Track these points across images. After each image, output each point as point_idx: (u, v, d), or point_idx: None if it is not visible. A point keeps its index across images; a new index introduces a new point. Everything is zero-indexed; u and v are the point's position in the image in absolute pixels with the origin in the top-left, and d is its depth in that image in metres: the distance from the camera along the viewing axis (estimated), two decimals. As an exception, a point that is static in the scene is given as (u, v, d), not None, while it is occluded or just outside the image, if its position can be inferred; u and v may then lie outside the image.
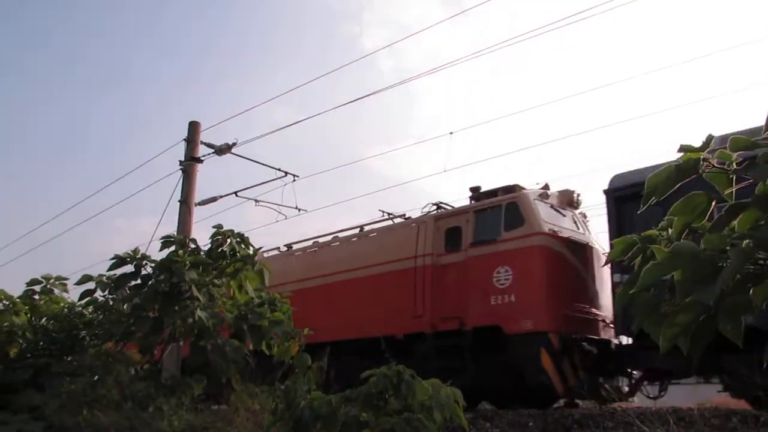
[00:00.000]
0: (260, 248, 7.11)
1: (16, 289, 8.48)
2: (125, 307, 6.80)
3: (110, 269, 6.79)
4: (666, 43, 77.30)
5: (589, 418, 8.20)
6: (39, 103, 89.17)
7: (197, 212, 11.83)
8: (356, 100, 13.07)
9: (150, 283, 6.66)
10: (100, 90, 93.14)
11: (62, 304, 8.28)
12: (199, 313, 6.10)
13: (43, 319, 8.01)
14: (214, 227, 6.99)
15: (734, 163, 1.84)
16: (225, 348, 6.21)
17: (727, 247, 1.68)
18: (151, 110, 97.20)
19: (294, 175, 14.73)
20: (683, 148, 1.84)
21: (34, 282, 8.17)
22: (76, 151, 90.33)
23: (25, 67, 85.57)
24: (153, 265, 6.81)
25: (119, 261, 6.72)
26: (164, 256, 6.77)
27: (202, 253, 7.03)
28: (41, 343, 7.59)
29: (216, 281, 6.74)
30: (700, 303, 1.69)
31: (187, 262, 6.55)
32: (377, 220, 13.70)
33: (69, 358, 7.35)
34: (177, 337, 6.73)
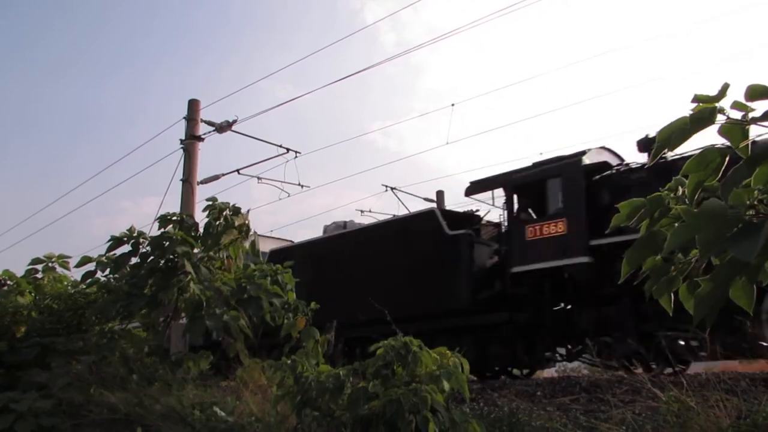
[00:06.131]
0: (248, 210, 7.02)
1: (24, 270, 8.51)
2: (124, 284, 6.79)
3: (108, 250, 6.77)
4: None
5: (596, 384, 8.21)
6: (51, 84, 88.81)
7: (201, 191, 11.80)
8: (359, 72, 12.99)
9: (149, 260, 6.63)
10: (109, 71, 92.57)
11: (66, 283, 8.28)
12: (193, 286, 6.06)
13: (48, 299, 8.02)
14: (208, 200, 6.92)
15: (749, 114, 1.74)
16: (223, 318, 6.16)
17: (755, 202, 1.59)
18: (159, 91, 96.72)
19: (296, 152, 14.66)
20: (698, 98, 1.75)
21: (36, 261, 8.17)
22: (86, 132, 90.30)
23: (36, 49, 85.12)
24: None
25: (116, 241, 6.69)
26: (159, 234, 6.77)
27: (200, 229, 6.98)
28: (47, 323, 7.60)
29: (212, 255, 6.70)
30: (729, 266, 1.60)
31: (179, 238, 6.51)
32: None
33: (75, 336, 7.36)
34: (179, 313, 6.72)
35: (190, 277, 6.15)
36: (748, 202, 1.63)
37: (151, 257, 6.65)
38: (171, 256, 6.41)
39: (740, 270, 1.66)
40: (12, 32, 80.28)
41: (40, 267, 8.28)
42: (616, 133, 51.84)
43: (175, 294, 6.19)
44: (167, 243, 6.48)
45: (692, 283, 1.92)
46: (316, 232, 17.03)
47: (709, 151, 1.79)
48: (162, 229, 6.80)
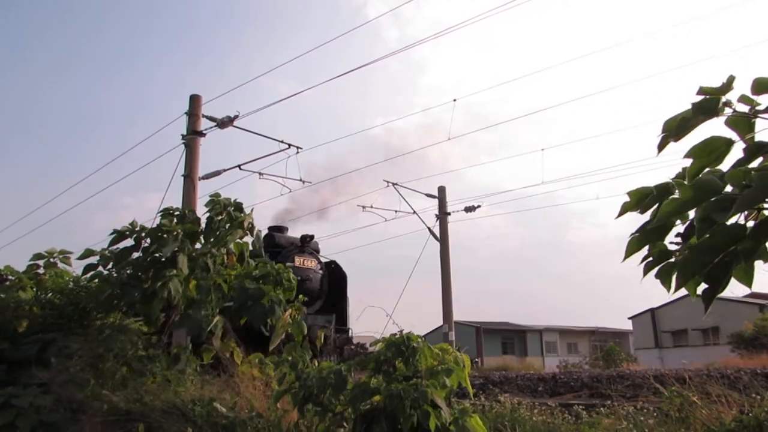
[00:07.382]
0: (252, 209, 6.98)
1: (25, 266, 8.49)
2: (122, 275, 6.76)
3: (110, 244, 6.74)
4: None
5: (598, 380, 8.20)
6: (51, 83, 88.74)
7: (203, 187, 11.68)
8: (361, 66, 12.96)
9: (149, 253, 6.60)
10: (109, 70, 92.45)
11: (67, 278, 8.26)
12: (170, 284, 6.03)
13: (50, 294, 8.00)
14: (210, 196, 6.88)
15: (755, 107, 1.72)
16: (207, 318, 6.11)
17: (751, 183, 1.56)
18: (160, 90, 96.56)
19: (297, 147, 14.58)
20: (703, 90, 1.72)
21: (37, 256, 8.14)
22: (87, 131, 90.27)
23: (36, 49, 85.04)
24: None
25: (118, 235, 6.65)
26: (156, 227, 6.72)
27: (202, 224, 6.94)
28: (48, 318, 7.57)
29: (214, 251, 6.65)
30: (717, 245, 1.58)
31: (179, 232, 6.47)
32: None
33: (75, 332, 7.33)
34: (179, 308, 6.69)
35: (174, 272, 6.11)
36: (744, 183, 1.60)
37: (151, 250, 6.62)
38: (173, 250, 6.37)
39: (727, 243, 1.62)
40: (12, 32, 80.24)
41: (41, 262, 8.26)
42: (616, 130, 51.74)
43: (167, 287, 6.16)
44: (165, 236, 6.44)
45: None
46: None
47: (715, 138, 1.77)
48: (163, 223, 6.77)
